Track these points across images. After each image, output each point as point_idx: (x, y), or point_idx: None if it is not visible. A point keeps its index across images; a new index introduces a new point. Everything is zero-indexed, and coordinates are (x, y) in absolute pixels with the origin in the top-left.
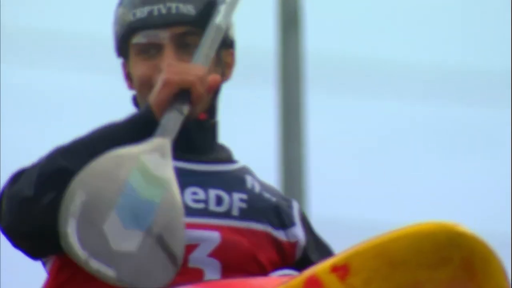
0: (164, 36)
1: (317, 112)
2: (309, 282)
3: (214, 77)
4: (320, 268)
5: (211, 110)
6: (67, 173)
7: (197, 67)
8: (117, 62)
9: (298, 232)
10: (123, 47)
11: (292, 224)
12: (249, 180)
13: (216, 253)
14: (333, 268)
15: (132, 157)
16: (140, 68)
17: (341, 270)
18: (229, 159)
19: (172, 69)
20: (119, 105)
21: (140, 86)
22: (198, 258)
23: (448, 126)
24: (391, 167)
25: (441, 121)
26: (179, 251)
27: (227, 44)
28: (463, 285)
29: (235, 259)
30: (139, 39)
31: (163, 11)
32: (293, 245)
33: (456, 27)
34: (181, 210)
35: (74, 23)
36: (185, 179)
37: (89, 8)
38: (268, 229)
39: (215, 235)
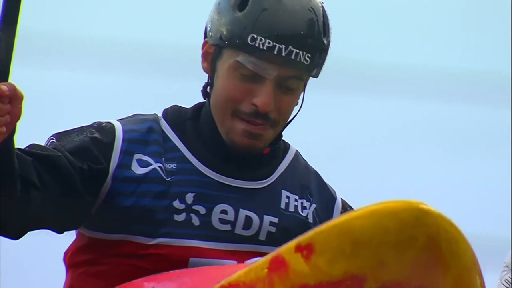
0: (272, 73)
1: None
2: (274, 262)
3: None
4: (285, 247)
5: (276, 139)
6: None
7: None
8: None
9: None
10: (222, 44)
11: None
12: (284, 197)
13: None
14: (297, 247)
15: None
16: (232, 87)
17: (306, 249)
18: (269, 173)
19: None
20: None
21: (224, 101)
22: None
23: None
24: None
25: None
26: None
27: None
28: (427, 267)
29: None
30: (245, 61)
31: (283, 53)
32: None
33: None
34: None
35: (76, 26)
36: (219, 194)
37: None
38: None
39: None
